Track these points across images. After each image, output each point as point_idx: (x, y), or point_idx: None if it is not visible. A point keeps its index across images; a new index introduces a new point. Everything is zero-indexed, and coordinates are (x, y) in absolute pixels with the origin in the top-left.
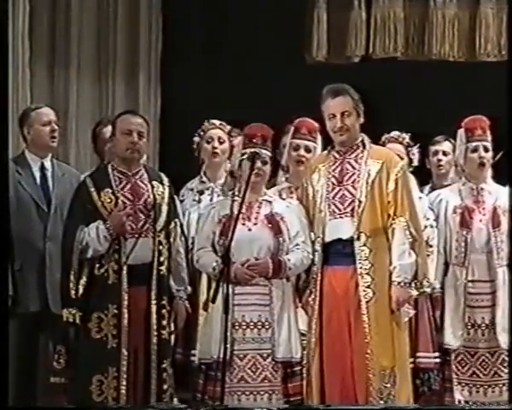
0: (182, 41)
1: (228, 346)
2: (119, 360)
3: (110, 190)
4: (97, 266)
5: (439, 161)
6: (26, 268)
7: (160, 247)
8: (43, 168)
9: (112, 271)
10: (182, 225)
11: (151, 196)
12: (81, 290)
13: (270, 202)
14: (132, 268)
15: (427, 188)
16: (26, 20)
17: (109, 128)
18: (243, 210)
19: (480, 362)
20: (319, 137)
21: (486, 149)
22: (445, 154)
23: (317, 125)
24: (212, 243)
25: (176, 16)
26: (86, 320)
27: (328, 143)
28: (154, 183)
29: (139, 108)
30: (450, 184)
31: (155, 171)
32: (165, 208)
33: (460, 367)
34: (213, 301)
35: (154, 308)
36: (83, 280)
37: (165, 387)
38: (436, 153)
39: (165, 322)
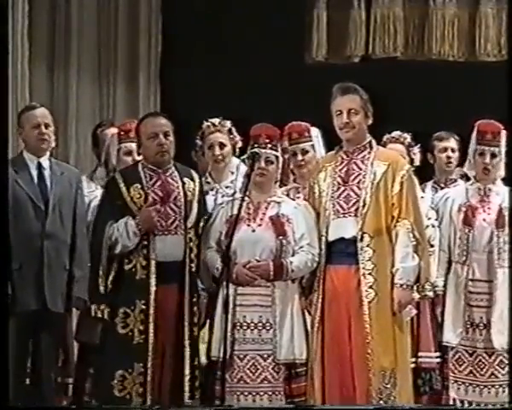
0: (182, 41)
1: (228, 346)
2: (146, 356)
3: (140, 186)
4: (126, 261)
5: (449, 158)
6: (24, 267)
7: (191, 244)
8: (40, 167)
9: (140, 266)
10: None
11: (181, 193)
12: (110, 286)
13: (278, 202)
14: (162, 265)
15: (429, 184)
16: (26, 20)
17: (111, 130)
18: (250, 211)
19: (478, 362)
20: (313, 135)
21: (493, 155)
22: (453, 150)
23: (306, 125)
24: (219, 242)
25: (176, 16)
26: (112, 315)
27: (335, 143)
28: (185, 179)
29: (139, 108)
30: (455, 179)
31: (186, 168)
32: (195, 205)
33: (457, 366)
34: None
35: (187, 306)
36: (111, 276)
37: (196, 384)
38: (445, 149)
39: (196, 319)
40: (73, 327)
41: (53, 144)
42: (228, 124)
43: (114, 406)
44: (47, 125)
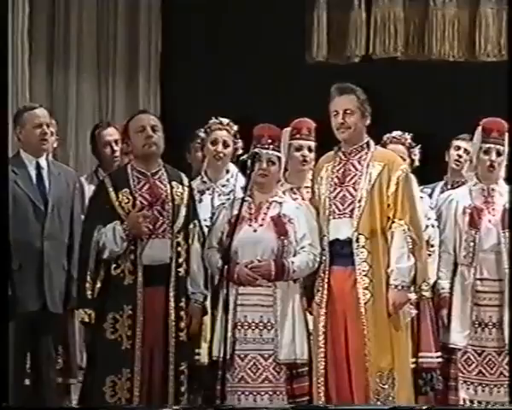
0: (182, 41)
1: (229, 346)
2: (132, 361)
3: (128, 190)
4: (113, 266)
5: (459, 156)
6: (24, 268)
7: (179, 248)
8: (38, 167)
9: (127, 271)
10: (201, 227)
11: (169, 197)
12: (97, 291)
13: (280, 202)
14: (149, 269)
15: (440, 184)
16: (26, 20)
17: (109, 131)
18: (252, 211)
19: (487, 361)
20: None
21: (499, 153)
22: (466, 151)
23: (314, 124)
24: (220, 241)
25: (176, 16)
26: (101, 321)
27: (334, 143)
28: (174, 183)
29: (139, 109)
30: (463, 182)
31: (176, 171)
32: (183, 209)
33: (466, 366)
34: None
35: (172, 310)
36: (99, 281)
37: (182, 389)
38: (458, 148)
39: (183, 324)
40: (76, 328)
41: (54, 144)
42: (235, 128)
43: (114, 406)
44: (48, 126)
